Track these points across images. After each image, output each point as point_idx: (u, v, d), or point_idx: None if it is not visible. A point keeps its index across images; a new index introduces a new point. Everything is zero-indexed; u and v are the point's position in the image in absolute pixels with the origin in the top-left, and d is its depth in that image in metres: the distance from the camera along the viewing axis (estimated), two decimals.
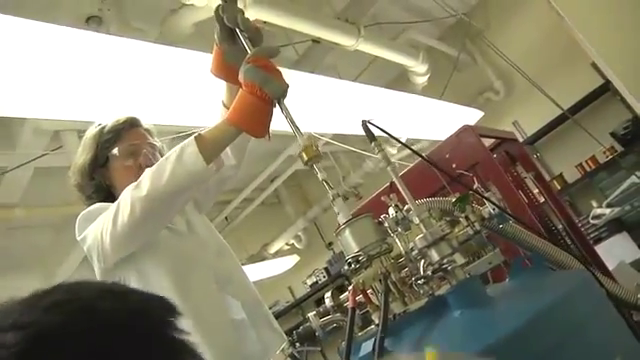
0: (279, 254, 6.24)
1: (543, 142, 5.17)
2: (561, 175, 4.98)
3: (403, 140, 4.94)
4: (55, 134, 3.56)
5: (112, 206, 1.39)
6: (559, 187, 4.92)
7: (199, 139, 1.28)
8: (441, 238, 0.85)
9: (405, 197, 0.89)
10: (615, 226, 4.20)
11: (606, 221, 4.19)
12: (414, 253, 0.89)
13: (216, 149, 1.32)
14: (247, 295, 1.61)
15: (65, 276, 4.88)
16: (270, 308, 5.76)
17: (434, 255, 0.86)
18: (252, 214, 5.82)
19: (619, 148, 4.66)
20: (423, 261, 0.89)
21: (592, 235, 4.31)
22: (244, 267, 5.73)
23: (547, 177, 4.98)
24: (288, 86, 1.19)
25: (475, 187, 2.01)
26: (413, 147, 5.29)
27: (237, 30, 1.27)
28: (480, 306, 0.83)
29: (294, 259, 6.19)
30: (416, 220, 0.88)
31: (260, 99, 1.18)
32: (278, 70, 1.20)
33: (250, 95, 1.18)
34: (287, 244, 6.24)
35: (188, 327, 1.43)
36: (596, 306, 0.86)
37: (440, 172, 1.93)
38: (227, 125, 1.27)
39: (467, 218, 0.89)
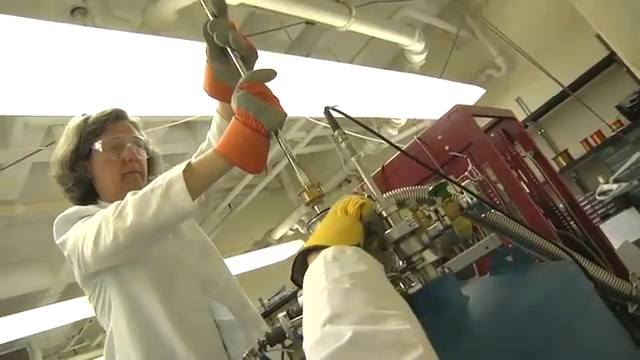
0: (284, 239, 6.21)
1: (547, 118, 5.06)
2: (566, 151, 4.88)
3: (403, 121, 4.89)
4: (49, 129, 3.55)
5: (93, 219, 1.33)
6: (564, 163, 4.82)
7: (187, 174, 1.18)
8: (410, 233, 0.79)
9: (371, 189, 0.83)
10: (623, 202, 4.11)
11: (613, 197, 4.09)
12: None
13: (205, 185, 1.23)
14: (232, 298, 1.56)
15: (70, 270, 4.91)
16: (277, 294, 5.79)
17: (401, 252, 0.80)
18: (255, 200, 5.78)
19: (626, 121, 4.54)
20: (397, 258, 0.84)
21: (599, 212, 4.23)
22: (249, 254, 5.71)
23: (552, 154, 4.88)
24: (286, 115, 1.08)
25: (469, 169, 1.96)
26: (414, 127, 5.21)
27: (228, 49, 1.15)
28: (452, 308, 0.77)
29: (299, 244, 6.17)
30: (384, 213, 0.82)
31: (255, 131, 1.06)
32: (275, 97, 1.09)
33: (244, 126, 1.07)
34: (291, 229, 6.20)
35: (170, 332, 1.40)
36: (582, 303, 0.79)
37: (426, 161, 1.88)
38: (218, 158, 1.15)
39: (436, 212, 0.82)
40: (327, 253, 0.72)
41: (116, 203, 1.28)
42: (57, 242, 1.45)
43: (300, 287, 0.78)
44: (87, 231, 1.31)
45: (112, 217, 1.24)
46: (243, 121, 1.07)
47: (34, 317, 4.48)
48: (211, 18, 1.17)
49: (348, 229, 0.80)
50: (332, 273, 0.66)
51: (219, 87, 1.26)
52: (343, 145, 0.91)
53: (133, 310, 1.43)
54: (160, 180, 1.21)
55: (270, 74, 1.09)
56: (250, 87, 1.06)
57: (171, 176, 1.19)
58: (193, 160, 1.22)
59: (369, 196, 0.89)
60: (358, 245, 0.77)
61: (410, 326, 0.56)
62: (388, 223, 0.81)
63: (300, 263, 0.81)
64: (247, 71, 1.12)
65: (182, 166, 1.19)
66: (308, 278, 0.71)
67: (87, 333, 6.57)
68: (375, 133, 1.06)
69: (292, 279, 0.82)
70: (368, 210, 0.84)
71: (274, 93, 1.09)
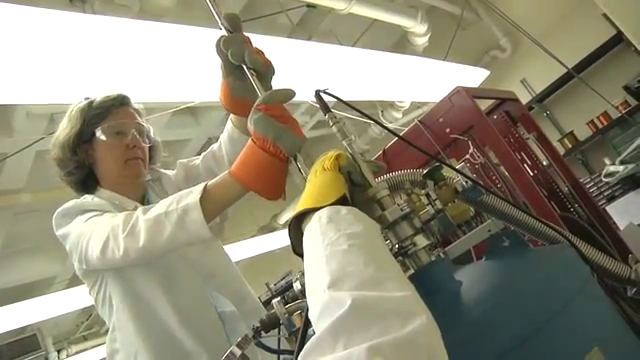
0: None
1: (553, 99, 5.01)
2: (572, 133, 4.84)
3: (407, 104, 4.86)
4: (51, 117, 3.55)
5: (98, 224, 1.33)
6: (570, 145, 4.78)
7: (204, 201, 1.14)
8: (402, 218, 0.78)
9: (364, 173, 0.82)
10: (629, 183, 4.07)
11: (620, 178, 4.05)
12: None
13: (221, 209, 1.21)
14: (231, 290, 1.56)
15: None
16: (283, 278, 5.83)
17: (393, 237, 0.79)
18: None
19: (633, 102, 4.48)
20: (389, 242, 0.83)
21: (606, 193, 4.20)
22: (255, 239, 5.71)
23: (558, 135, 4.84)
24: (305, 139, 1.04)
25: (470, 151, 1.95)
26: (419, 110, 5.17)
27: (244, 66, 1.09)
28: (444, 293, 0.77)
29: None
30: (377, 196, 0.81)
31: (273, 156, 1.01)
32: (293, 119, 1.04)
33: (262, 151, 1.02)
34: None
35: (176, 326, 1.40)
36: (578, 287, 0.78)
37: (427, 144, 1.87)
38: (235, 183, 1.11)
39: (428, 196, 0.81)
40: (322, 215, 0.70)
41: (124, 215, 1.27)
42: (57, 234, 1.46)
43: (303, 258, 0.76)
44: (92, 234, 1.31)
45: (122, 234, 1.23)
46: (261, 145, 1.02)
47: (43, 304, 4.52)
48: (225, 33, 1.11)
49: (329, 183, 0.79)
50: (328, 235, 0.65)
51: (237, 102, 1.21)
52: (334, 129, 0.90)
53: (137, 306, 1.43)
54: (175, 203, 1.18)
55: (289, 95, 1.04)
56: (268, 109, 1.01)
57: (187, 202, 1.16)
58: (209, 184, 1.18)
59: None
60: (344, 197, 0.76)
61: (410, 292, 0.56)
62: (381, 206, 0.80)
63: (295, 233, 0.79)
64: (264, 88, 1.07)
65: (199, 191, 1.16)
66: (306, 243, 0.70)
67: (96, 319, 6.65)
68: (368, 117, 1.05)
69: (295, 252, 0.80)
70: (345, 159, 0.83)
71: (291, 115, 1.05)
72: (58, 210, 1.47)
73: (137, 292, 1.44)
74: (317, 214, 0.71)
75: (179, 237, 1.17)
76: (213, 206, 1.16)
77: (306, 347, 0.50)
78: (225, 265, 1.64)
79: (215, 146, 1.60)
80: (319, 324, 0.53)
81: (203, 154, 1.65)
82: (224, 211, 1.27)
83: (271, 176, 1.06)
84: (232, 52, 1.08)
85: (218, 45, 1.10)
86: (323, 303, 0.54)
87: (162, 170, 1.71)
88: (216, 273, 1.56)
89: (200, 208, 1.13)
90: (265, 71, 1.10)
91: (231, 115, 1.47)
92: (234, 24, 1.12)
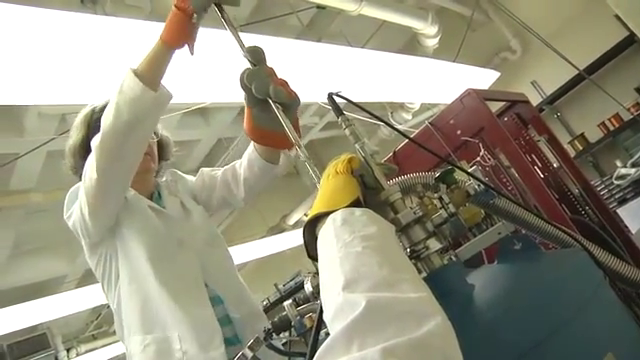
0: (299, 225, 6.23)
1: (564, 101, 4.97)
2: (583, 135, 4.80)
3: (417, 106, 4.84)
4: (62, 117, 3.57)
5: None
6: (581, 147, 4.74)
7: (134, 68, 1.25)
8: (415, 221, 0.78)
9: (376, 175, 0.82)
10: None
11: (631, 181, 4.02)
12: None
13: (152, 68, 1.26)
14: (227, 290, 1.58)
15: None
16: (292, 279, 5.80)
17: (405, 241, 0.79)
18: (269, 185, 5.80)
19: None
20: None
21: (617, 196, 4.16)
22: (264, 240, 5.72)
23: (568, 137, 4.80)
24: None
25: (481, 154, 1.94)
26: (429, 112, 5.15)
27: (269, 99, 1.04)
28: (457, 297, 0.76)
29: None
30: (390, 199, 0.80)
31: (179, 9, 1.15)
32: None
33: (174, 8, 1.16)
34: (306, 215, 6.21)
35: (163, 303, 1.45)
36: (590, 292, 0.78)
37: (438, 146, 1.86)
38: (156, 42, 1.24)
39: (441, 199, 0.81)
40: (336, 217, 0.70)
41: None
42: (65, 217, 1.50)
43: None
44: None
45: (95, 143, 1.33)
46: (176, 3, 1.16)
47: (54, 303, 4.56)
48: (249, 66, 1.09)
49: (342, 186, 0.79)
50: (342, 237, 0.64)
51: (260, 132, 1.18)
52: (347, 132, 0.90)
53: (133, 278, 1.48)
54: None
55: None
56: None
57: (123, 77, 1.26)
58: None
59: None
60: (358, 200, 0.75)
61: (425, 293, 0.55)
62: (393, 210, 0.80)
63: (309, 237, 0.78)
64: (289, 120, 1.03)
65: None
66: (320, 245, 0.70)
67: (105, 319, 6.69)
68: (378, 118, 1.04)
69: (309, 256, 0.79)
70: (357, 163, 0.84)
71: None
72: (68, 193, 1.54)
73: (135, 267, 1.49)
74: (331, 216, 0.71)
75: (121, 104, 1.24)
76: (142, 67, 1.25)
77: (320, 349, 0.49)
78: (227, 267, 1.66)
79: (237, 163, 1.64)
80: (333, 326, 0.53)
81: (224, 168, 1.67)
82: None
83: (175, 26, 1.19)
84: (256, 86, 1.05)
85: (242, 79, 1.07)
86: (337, 305, 0.54)
87: (182, 174, 1.76)
88: (216, 272, 1.59)
89: (131, 70, 1.24)
90: (290, 103, 1.07)
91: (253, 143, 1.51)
92: (257, 56, 1.09)
